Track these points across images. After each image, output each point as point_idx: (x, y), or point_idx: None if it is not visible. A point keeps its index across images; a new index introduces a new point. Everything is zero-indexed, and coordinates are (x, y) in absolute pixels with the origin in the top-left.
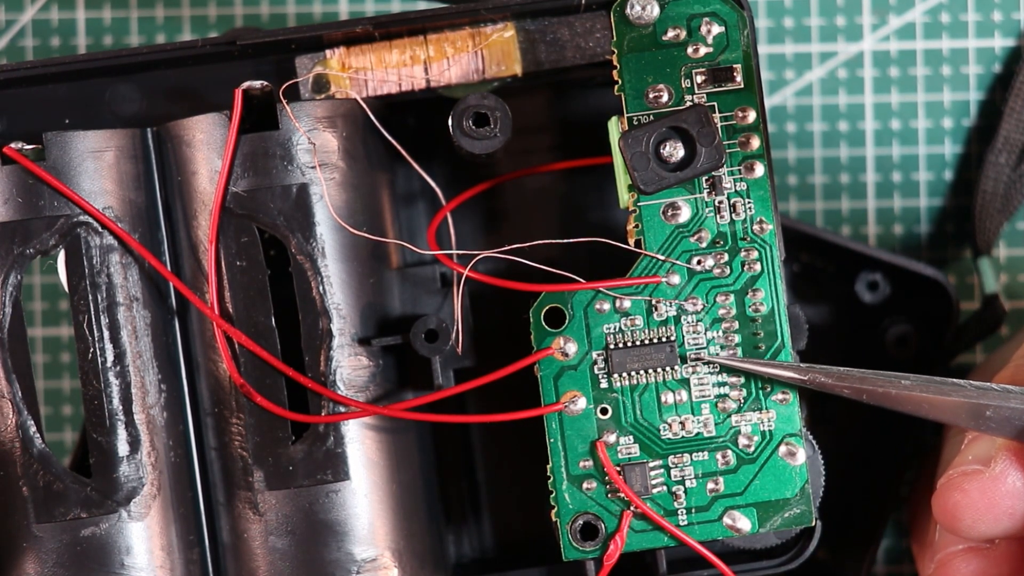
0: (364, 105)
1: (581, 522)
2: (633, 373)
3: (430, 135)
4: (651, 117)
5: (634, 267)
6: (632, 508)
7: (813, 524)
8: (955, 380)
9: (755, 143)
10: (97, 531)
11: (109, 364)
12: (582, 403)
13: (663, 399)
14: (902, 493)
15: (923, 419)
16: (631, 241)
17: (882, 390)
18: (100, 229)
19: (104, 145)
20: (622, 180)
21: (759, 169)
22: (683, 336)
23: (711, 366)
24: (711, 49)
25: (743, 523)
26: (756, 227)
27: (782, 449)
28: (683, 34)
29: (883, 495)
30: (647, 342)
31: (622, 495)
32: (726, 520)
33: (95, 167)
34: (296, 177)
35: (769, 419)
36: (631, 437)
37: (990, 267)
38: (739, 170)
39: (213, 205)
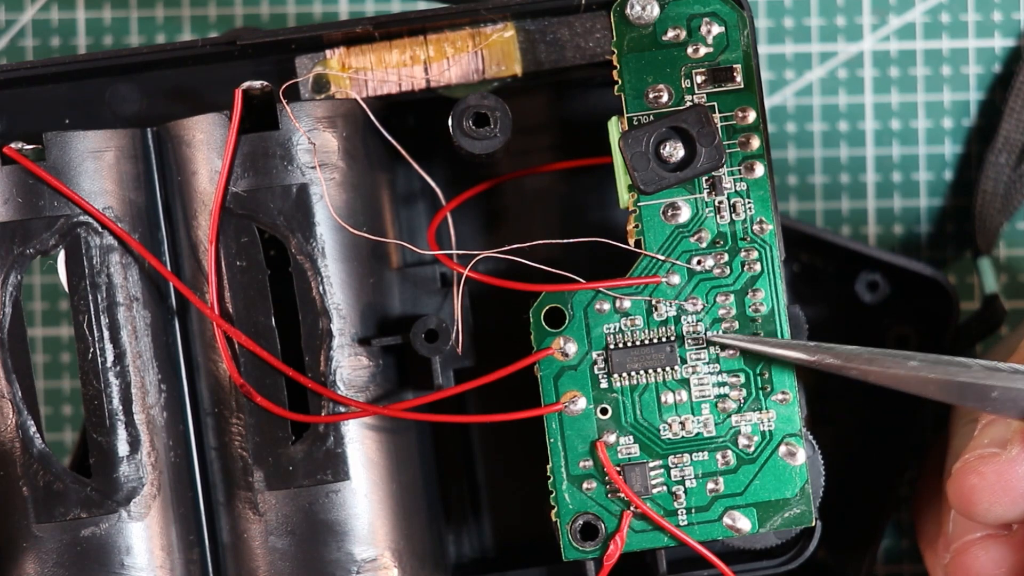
0: (364, 105)
1: (581, 522)
2: (633, 373)
3: (430, 135)
4: (651, 117)
5: (634, 267)
6: (632, 508)
7: (813, 524)
8: (963, 360)
9: (755, 143)
10: (97, 531)
11: (109, 364)
12: (582, 403)
13: (663, 399)
14: (902, 493)
15: (921, 414)
16: (631, 241)
17: (890, 371)
18: (100, 229)
19: (104, 145)
20: (622, 180)
21: (759, 169)
22: (683, 336)
23: (711, 365)
24: (711, 49)
25: (743, 523)
26: (756, 227)
27: (782, 449)
28: (683, 34)
29: (883, 495)
30: (647, 342)
31: (622, 495)
32: (726, 520)
33: (95, 167)
34: (296, 177)
35: (769, 419)
36: (631, 437)
37: (990, 267)
38: (739, 170)
39: (213, 205)
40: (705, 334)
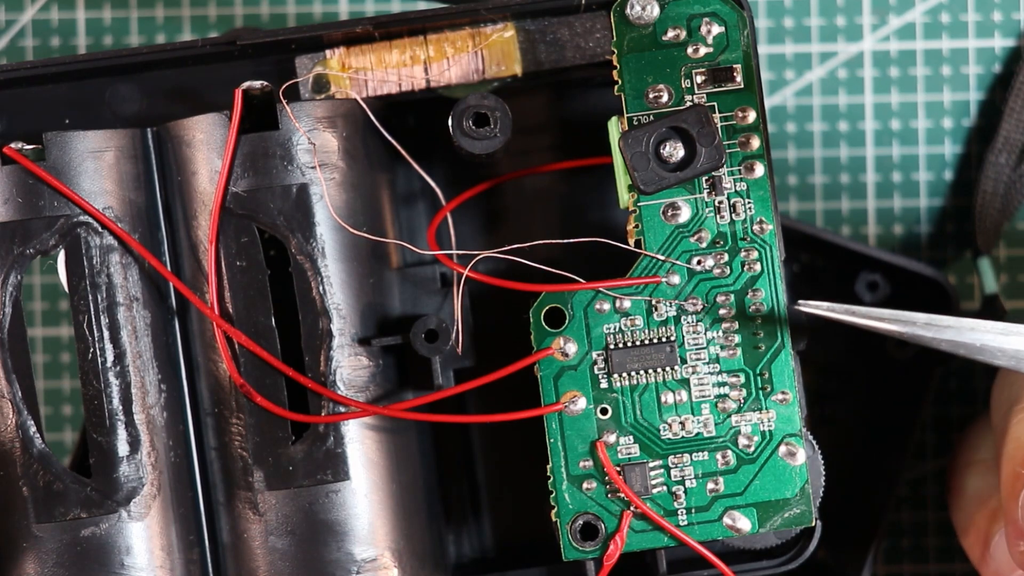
0: (364, 105)
1: (581, 522)
2: (633, 373)
3: (430, 135)
4: (651, 117)
5: (634, 267)
6: (632, 508)
7: (813, 524)
8: None
9: (755, 143)
10: (97, 531)
11: (109, 364)
12: (582, 403)
13: (663, 399)
14: (902, 493)
15: (921, 414)
16: (631, 241)
17: (980, 344)
18: (100, 229)
19: (104, 145)
20: (622, 180)
21: (759, 169)
22: (683, 336)
23: (711, 365)
24: (711, 49)
25: (743, 523)
26: (756, 227)
27: (782, 449)
28: (683, 34)
29: (883, 495)
30: (647, 342)
31: (622, 495)
32: (726, 520)
33: (95, 167)
34: (296, 177)
35: (769, 419)
36: (631, 437)
37: (990, 267)
38: (739, 170)
39: (213, 205)
40: (796, 303)
